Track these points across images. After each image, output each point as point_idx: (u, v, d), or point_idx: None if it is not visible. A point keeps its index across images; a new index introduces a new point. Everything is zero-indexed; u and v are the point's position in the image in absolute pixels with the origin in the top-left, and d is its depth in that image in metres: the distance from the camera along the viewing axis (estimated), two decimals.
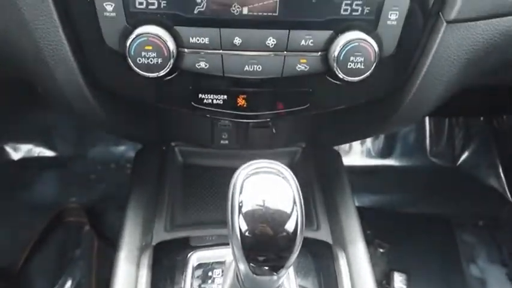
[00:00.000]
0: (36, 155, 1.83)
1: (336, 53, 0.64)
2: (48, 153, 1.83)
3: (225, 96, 0.71)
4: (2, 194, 1.65)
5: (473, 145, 1.87)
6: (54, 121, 1.80)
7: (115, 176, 1.78)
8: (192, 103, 0.71)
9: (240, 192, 0.54)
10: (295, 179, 0.54)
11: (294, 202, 0.54)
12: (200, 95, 0.71)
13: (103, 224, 1.65)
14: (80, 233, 1.62)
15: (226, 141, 1.01)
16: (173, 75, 0.67)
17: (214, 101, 0.71)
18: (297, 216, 0.53)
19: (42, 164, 1.80)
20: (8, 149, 1.82)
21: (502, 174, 1.83)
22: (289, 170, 0.54)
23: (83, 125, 1.72)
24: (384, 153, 1.86)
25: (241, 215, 0.53)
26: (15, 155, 1.82)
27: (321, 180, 1.05)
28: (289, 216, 0.52)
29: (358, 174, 1.79)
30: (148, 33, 0.61)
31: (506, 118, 1.81)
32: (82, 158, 1.82)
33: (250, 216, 0.52)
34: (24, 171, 1.77)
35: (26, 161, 1.81)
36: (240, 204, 0.54)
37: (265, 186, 0.54)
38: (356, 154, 1.85)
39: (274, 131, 0.97)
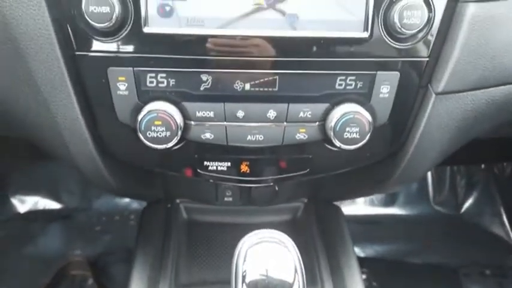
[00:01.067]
0: (42, 207, 1.85)
1: (332, 124, 0.69)
2: (54, 205, 1.85)
3: (229, 163, 0.75)
4: (7, 249, 1.66)
5: (475, 193, 1.88)
6: (60, 173, 1.85)
7: (119, 228, 1.79)
8: (198, 170, 0.75)
9: (244, 261, 0.56)
10: (295, 247, 0.56)
11: (296, 271, 0.56)
12: (205, 163, 0.74)
13: (107, 277, 1.65)
14: (83, 286, 1.62)
15: (230, 199, 1.03)
16: (180, 145, 0.71)
17: (219, 168, 0.75)
18: (299, 285, 0.55)
19: (48, 217, 1.82)
20: (15, 201, 1.85)
21: (506, 222, 1.83)
22: (290, 239, 0.56)
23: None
24: (387, 202, 1.87)
25: (244, 284, 0.55)
26: (22, 208, 1.85)
27: (323, 236, 1.06)
28: (291, 286, 0.54)
29: (362, 224, 1.79)
30: (157, 109, 0.66)
31: (506, 165, 1.83)
32: (87, 209, 1.84)
33: (253, 286, 0.54)
34: (29, 224, 1.79)
35: (32, 213, 1.84)
36: (244, 274, 0.55)
37: (268, 255, 0.57)
38: (359, 203, 1.86)
39: (276, 188, 1.00)
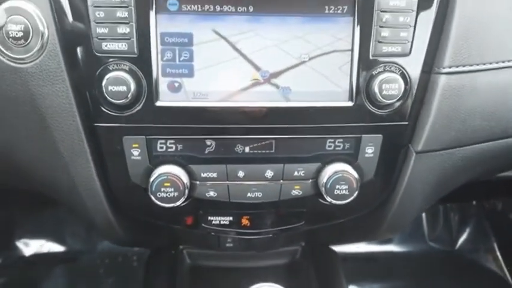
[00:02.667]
0: (46, 250, 1.89)
1: (324, 181, 0.76)
2: (58, 248, 1.89)
3: (231, 218, 0.82)
4: None
5: (469, 229, 1.94)
6: (64, 217, 1.90)
7: (123, 270, 1.82)
8: (203, 224, 0.81)
9: None
10: None
11: None
12: (209, 218, 0.82)
13: None
14: None
15: (231, 244, 1.09)
16: (186, 203, 0.78)
17: (222, 222, 0.82)
18: None
19: (52, 260, 1.85)
20: (20, 245, 1.89)
21: (500, 257, 1.87)
22: None
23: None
24: (384, 239, 1.92)
25: None
26: (27, 251, 1.89)
27: (319, 279, 1.12)
28: None
29: (359, 261, 1.83)
30: (167, 172, 0.73)
31: (497, 202, 1.90)
32: (91, 251, 1.88)
33: None
34: (34, 267, 1.83)
35: (37, 256, 1.87)
36: None
37: None
38: None
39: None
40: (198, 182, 0.77)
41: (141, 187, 0.77)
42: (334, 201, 0.76)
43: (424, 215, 1.98)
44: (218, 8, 0.70)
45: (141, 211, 0.82)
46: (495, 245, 1.89)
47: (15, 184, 0.97)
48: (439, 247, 1.93)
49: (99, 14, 0.67)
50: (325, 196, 0.76)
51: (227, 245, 1.10)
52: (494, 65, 0.73)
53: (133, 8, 0.67)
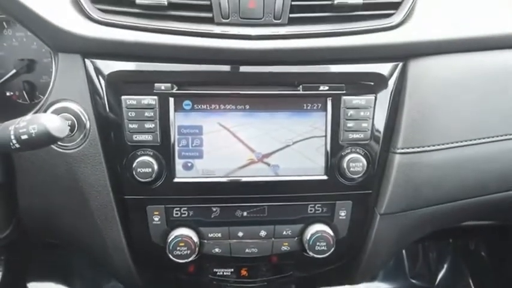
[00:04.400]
0: None
1: (307, 238, 0.96)
2: None
3: (232, 269, 1.00)
4: None
5: (446, 266, 2.10)
6: (73, 259, 2.03)
7: None
8: (209, 276, 0.99)
9: None
10: None
11: None
12: (215, 269, 0.99)
13: None
14: None
15: None
16: (196, 258, 0.96)
17: (224, 273, 1.00)
18: None
19: None
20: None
21: None
22: None
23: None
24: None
25: None
26: None
27: None
28: None
29: None
30: (181, 234, 0.92)
31: (470, 241, 2.08)
32: None
33: None
34: None
35: None
36: None
37: None
38: None
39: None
40: (205, 241, 0.95)
41: (159, 245, 0.95)
42: (315, 256, 0.95)
43: (404, 252, 2.14)
44: (222, 107, 0.91)
45: (158, 264, 0.99)
46: (471, 282, 2.05)
47: (50, 240, 1.14)
48: (420, 284, 2.09)
49: (131, 114, 0.88)
50: (308, 251, 0.95)
51: None
52: (437, 147, 0.94)
53: (157, 109, 0.88)
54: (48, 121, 0.70)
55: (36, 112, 0.90)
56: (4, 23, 1.04)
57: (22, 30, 1.03)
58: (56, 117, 0.72)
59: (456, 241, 2.11)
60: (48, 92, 0.90)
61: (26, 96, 1.06)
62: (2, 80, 1.03)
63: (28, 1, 0.81)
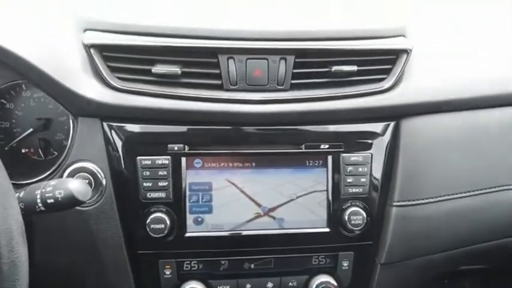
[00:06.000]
0: None
1: None
2: None
3: None
4: None
5: None
6: None
7: None
8: None
9: None
10: None
11: None
12: None
13: None
14: None
15: None
16: None
17: None
18: None
19: None
20: None
21: None
22: None
23: None
24: None
25: None
26: None
27: None
28: None
29: None
30: (192, 287, 0.96)
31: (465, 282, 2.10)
32: None
33: None
34: None
35: None
36: None
37: None
38: None
39: None
40: None
41: None
42: None
43: None
44: (230, 164, 0.97)
45: None
46: None
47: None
48: None
49: (145, 173, 0.94)
50: None
51: None
52: (430, 200, 1.01)
53: (170, 168, 0.94)
54: (73, 186, 0.76)
55: (53, 171, 0.96)
56: (23, 85, 1.10)
57: (40, 92, 1.10)
58: (80, 182, 0.78)
59: (451, 282, 2.13)
60: (65, 153, 0.96)
61: (41, 153, 1.11)
62: (19, 138, 1.09)
63: (55, 74, 0.88)
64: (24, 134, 1.07)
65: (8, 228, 0.59)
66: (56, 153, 1.04)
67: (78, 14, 0.95)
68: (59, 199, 0.75)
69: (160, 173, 0.94)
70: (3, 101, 1.03)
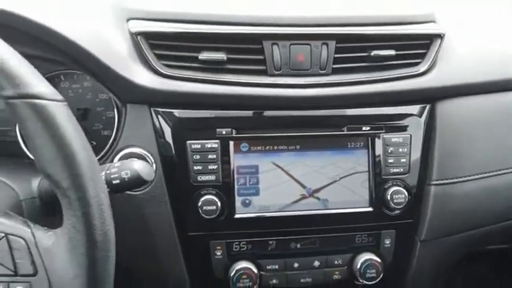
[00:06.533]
0: None
1: (357, 267, 1.03)
2: None
3: None
4: None
5: None
6: None
7: None
8: None
9: None
10: None
11: None
12: None
13: None
14: None
15: None
16: None
17: None
18: None
19: None
20: None
21: None
22: None
23: None
24: None
25: None
26: None
27: None
28: None
29: None
30: (243, 267, 0.99)
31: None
32: None
33: None
34: None
35: None
36: None
37: None
38: None
39: None
40: (264, 273, 1.02)
41: (219, 278, 1.01)
42: (365, 282, 1.02)
43: None
44: (276, 148, 1.01)
45: None
46: None
47: None
48: None
49: (195, 157, 0.97)
50: (359, 279, 1.02)
51: None
52: (468, 178, 1.05)
53: (219, 152, 0.97)
54: (139, 166, 0.78)
55: (102, 157, 0.99)
56: (62, 76, 1.12)
57: (78, 82, 1.13)
58: (143, 163, 0.80)
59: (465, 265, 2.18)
60: (112, 139, 0.99)
61: None
62: None
63: (107, 60, 0.91)
64: None
65: (99, 200, 0.61)
66: (95, 143, 1.07)
67: (121, 3, 0.98)
68: (126, 179, 0.77)
69: (210, 156, 0.97)
70: None
